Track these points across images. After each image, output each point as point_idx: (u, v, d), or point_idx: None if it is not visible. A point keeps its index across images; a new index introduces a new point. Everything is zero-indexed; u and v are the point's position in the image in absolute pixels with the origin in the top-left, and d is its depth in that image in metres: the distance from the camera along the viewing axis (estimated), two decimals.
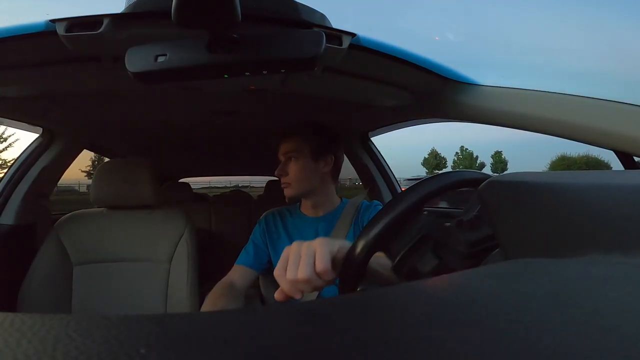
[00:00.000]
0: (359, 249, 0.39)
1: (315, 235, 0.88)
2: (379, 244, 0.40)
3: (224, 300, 0.75)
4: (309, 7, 0.56)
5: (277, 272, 0.41)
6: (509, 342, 0.12)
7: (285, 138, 0.87)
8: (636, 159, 0.55)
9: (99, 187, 1.03)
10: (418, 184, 0.43)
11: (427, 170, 39.56)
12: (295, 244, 0.42)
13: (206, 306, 0.75)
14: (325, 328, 0.14)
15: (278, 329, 0.14)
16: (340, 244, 0.42)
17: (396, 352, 0.12)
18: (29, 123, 1.03)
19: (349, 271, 0.41)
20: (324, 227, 0.89)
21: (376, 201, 0.98)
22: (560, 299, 0.16)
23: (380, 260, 0.45)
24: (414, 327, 0.14)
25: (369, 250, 0.39)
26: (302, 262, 0.39)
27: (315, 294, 0.81)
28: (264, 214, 0.95)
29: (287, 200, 0.90)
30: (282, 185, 0.87)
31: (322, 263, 0.39)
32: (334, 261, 0.40)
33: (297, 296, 0.40)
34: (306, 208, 0.92)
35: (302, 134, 0.87)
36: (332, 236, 0.86)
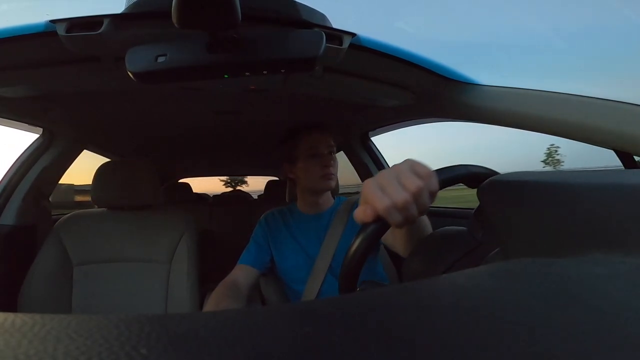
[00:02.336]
0: (356, 246, 0.39)
1: (317, 233, 0.89)
2: (378, 240, 0.39)
3: (228, 300, 0.75)
4: (309, 7, 0.56)
5: (370, 197, 0.36)
6: (510, 342, 0.12)
7: (326, 132, 0.90)
8: (636, 158, 0.55)
9: (99, 187, 1.03)
10: None
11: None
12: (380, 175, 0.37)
13: (210, 306, 0.75)
14: (325, 328, 0.14)
15: (278, 329, 0.14)
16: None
17: (396, 352, 0.12)
18: (29, 123, 1.03)
19: (347, 269, 0.40)
20: (324, 224, 0.89)
21: None
22: (561, 299, 0.16)
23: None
24: (414, 327, 0.14)
25: (367, 247, 0.39)
26: (404, 176, 0.35)
27: (315, 293, 0.81)
28: (264, 214, 0.96)
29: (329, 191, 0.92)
30: (329, 177, 0.87)
31: (424, 168, 0.36)
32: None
33: (397, 219, 0.35)
34: (308, 205, 0.93)
35: (330, 131, 0.91)
36: (329, 234, 0.86)
